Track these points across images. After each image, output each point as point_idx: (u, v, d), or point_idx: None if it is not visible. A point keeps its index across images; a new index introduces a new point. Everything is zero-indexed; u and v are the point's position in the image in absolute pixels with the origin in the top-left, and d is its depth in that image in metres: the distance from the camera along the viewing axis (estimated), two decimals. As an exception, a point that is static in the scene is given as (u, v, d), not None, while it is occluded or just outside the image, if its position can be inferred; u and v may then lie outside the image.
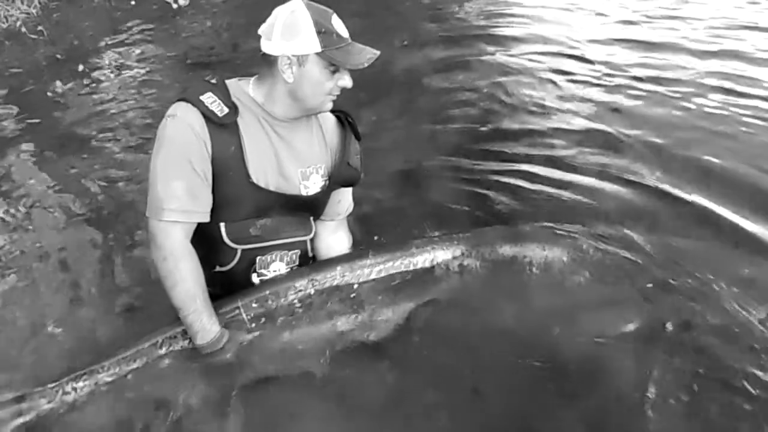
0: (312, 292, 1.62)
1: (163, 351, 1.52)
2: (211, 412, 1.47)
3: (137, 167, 2.87)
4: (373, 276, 1.67)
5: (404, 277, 1.69)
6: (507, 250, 1.78)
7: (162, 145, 1.50)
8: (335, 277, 1.64)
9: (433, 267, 1.72)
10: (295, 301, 1.61)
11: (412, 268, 1.70)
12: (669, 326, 1.64)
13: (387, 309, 1.64)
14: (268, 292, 1.60)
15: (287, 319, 1.59)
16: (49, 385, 1.46)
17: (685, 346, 1.59)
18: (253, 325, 1.57)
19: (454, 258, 1.73)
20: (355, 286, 1.65)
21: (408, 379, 1.55)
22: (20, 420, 1.42)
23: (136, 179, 2.77)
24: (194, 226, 1.52)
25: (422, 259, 1.72)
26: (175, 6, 5.46)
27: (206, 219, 1.53)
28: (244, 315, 1.57)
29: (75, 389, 1.46)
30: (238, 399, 1.49)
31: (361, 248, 1.84)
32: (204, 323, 1.48)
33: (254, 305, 1.58)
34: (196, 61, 4.23)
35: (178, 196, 1.46)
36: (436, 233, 1.93)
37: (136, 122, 3.44)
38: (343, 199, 1.80)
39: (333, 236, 1.81)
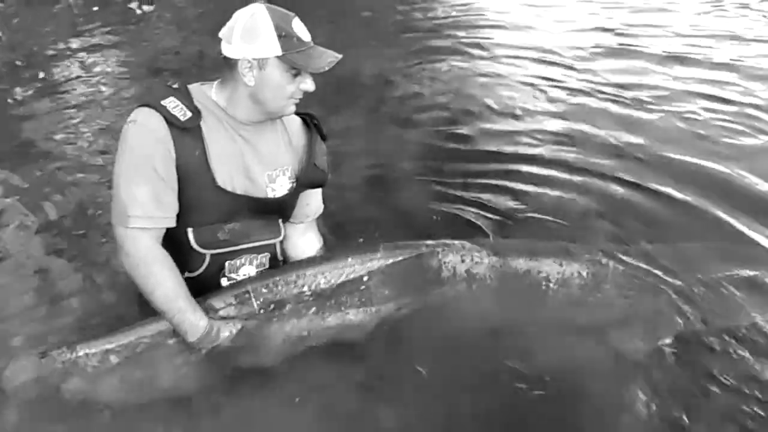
0: (321, 282, 1.63)
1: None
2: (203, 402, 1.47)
3: (101, 175, 2.81)
4: (382, 270, 1.67)
5: (413, 276, 1.70)
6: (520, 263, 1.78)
7: (124, 152, 1.48)
8: (345, 268, 1.65)
9: (440, 270, 1.72)
10: (306, 289, 1.62)
11: (421, 268, 1.71)
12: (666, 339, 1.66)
13: (392, 304, 1.66)
14: (278, 278, 1.62)
15: (295, 308, 1.60)
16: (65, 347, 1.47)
17: (680, 358, 1.61)
18: (262, 311, 1.58)
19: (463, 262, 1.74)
20: (365, 278, 1.66)
21: (385, 380, 1.56)
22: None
23: (100, 187, 2.72)
24: (163, 231, 1.51)
25: (433, 261, 1.73)
26: (139, 12, 5.40)
27: (172, 224, 1.51)
28: (254, 301, 1.58)
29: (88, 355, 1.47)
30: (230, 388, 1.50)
31: (370, 244, 1.83)
32: (191, 321, 1.48)
33: (264, 290, 1.60)
34: (161, 67, 4.18)
35: (143, 202, 1.45)
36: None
37: (99, 130, 3.38)
38: (312, 201, 1.80)
39: (303, 238, 1.82)
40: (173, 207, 1.50)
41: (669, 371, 1.58)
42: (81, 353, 1.47)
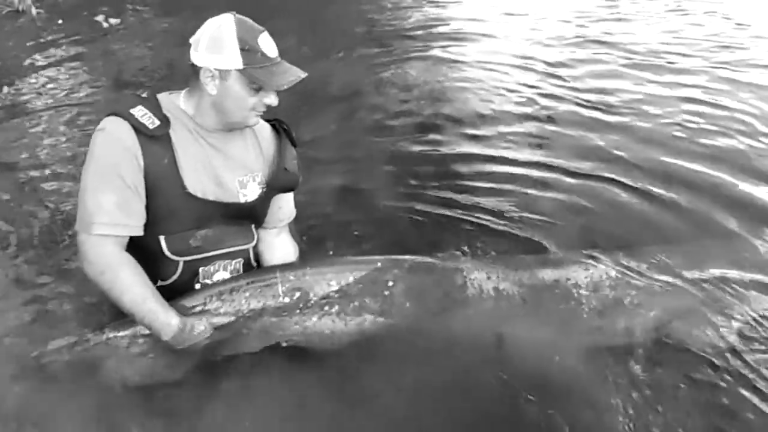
0: (345, 283, 1.67)
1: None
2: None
3: (68, 189, 2.78)
4: (407, 279, 1.72)
5: (431, 288, 1.74)
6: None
7: (92, 159, 1.49)
8: (373, 271, 1.70)
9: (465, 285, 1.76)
10: (330, 287, 1.66)
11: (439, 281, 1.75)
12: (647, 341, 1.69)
13: (413, 314, 1.68)
14: (309, 269, 1.68)
15: (319, 303, 1.64)
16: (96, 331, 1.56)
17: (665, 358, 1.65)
18: (287, 299, 1.61)
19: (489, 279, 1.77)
20: (390, 283, 1.69)
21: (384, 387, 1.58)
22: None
23: (67, 202, 2.68)
24: (126, 240, 1.51)
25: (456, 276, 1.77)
26: (105, 25, 5.34)
27: (139, 233, 1.52)
28: (280, 286, 1.62)
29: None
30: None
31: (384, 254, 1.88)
32: (162, 320, 1.49)
33: (291, 277, 1.64)
34: (128, 80, 4.14)
35: (108, 209, 1.46)
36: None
37: (66, 144, 3.32)
38: (284, 206, 1.81)
39: (277, 243, 1.83)
40: (139, 215, 1.51)
41: (651, 372, 1.61)
42: (111, 335, 1.55)
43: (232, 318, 1.59)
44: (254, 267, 1.77)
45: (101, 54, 4.77)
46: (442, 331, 1.67)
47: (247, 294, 1.62)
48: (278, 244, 1.82)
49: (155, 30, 5.35)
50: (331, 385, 1.58)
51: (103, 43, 5.02)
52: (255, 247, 1.77)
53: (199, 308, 1.59)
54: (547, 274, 1.81)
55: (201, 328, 1.53)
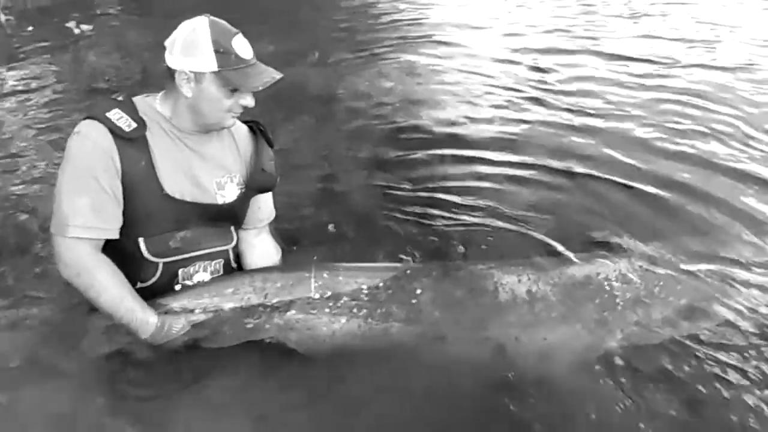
0: (377, 285, 1.70)
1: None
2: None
3: (42, 196, 2.75)
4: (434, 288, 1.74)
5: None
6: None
7: (67, 163, 1.50)
8: (401, 279, 1.73)
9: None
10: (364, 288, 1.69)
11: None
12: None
13: (436, 325, 1.69)
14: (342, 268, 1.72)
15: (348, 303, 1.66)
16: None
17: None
18: (317, 295, 1.64)
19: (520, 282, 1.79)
20: (418, 291, 1.71)
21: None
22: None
23: (41, 208, 2.65)
24: (101, 243, 1.52)
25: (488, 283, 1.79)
26: (77, 31, 5.28)
27: (114, 236, 1.52)
28: (313, 282, 1.65)
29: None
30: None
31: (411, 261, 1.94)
32: (141, 319, 1.51)
33: (325, 275, 1.67)
34: (101, 87, 4.11)
35: (83, 212, 1.47)
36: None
37: (39, 152, 3.29)
38: (263, 206, 1.83)
39: (257, 243, 1.84)
40: (115, 219, 1.52)
41: (635, 372, 1.62)
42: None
43: (211, 315, 1.60)
44: (234, 268, 1.79)
45: (73, 60, 4.73)
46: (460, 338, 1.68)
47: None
48: (258, 244, 1.83)
49: (127, 36, 5.32)
50: (319, 386, 1.60)
51: (74, 50, 4.97)
52: (235, 248, 1.78)
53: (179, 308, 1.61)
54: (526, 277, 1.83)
55: (179, 326, 1.55)
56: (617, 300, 1.77)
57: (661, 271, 1.90)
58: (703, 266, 1.94)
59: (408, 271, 1.80)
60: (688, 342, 1.70)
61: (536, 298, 1.75)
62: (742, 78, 3.82)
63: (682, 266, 1.93)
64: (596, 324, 1.71)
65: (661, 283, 1.84)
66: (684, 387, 1.58)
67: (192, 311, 1.59)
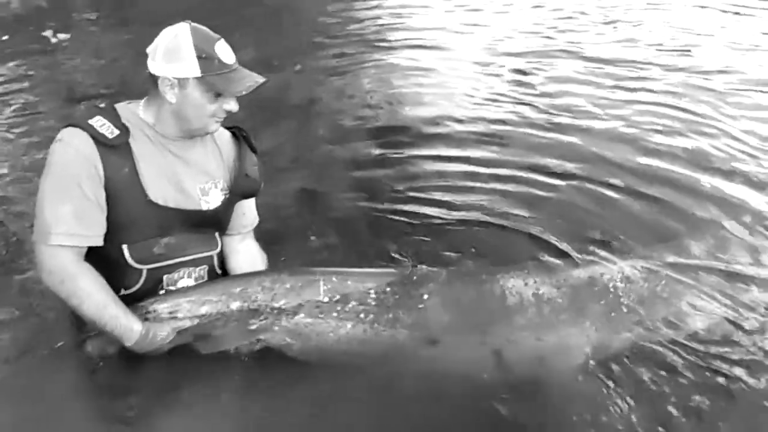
0: (385, 291, 1.70)
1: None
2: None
3: (22, 206, 2.72)
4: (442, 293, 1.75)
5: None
6: None
7: (50, 170, 1.50)
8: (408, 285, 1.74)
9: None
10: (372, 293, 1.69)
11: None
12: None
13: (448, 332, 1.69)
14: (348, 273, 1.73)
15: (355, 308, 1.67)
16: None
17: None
18: (326, 299, 1.64)
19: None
20: (425, 297, 1.73)
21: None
22: None
23: (22, 218, 2.62)
24: (84, 250, 1.52)
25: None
26: (54, 40, 5.22)
27: (98, 243, 1.52)
28: (322, 286, 1.66)
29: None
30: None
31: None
32: (124, 325, 1.50)
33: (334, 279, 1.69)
34: (80, 96, 4.07)
35: (66, 220, 1.46)
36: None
37: (16, 160, 3.26)
38: (247, 212, 1.83)
39: (242, 248, 1.84)
40: (99, 226, 1.51)
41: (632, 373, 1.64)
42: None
43: (198, 322, 1.60)
44: (219, 274, 1.78)
45: (50, 69, 4.68)
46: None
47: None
48: (243, 250, 1.83)
49: (105, 44, 5.27)
50: (312, 390, 1.61)
51: (52, 59, 4.92)
52: (219, 254, 1.78)
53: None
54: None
55: (163, 333, 1.55)
56: (614, 302, 1.80)
57: (648, 269, 1.93)
58: (696, 263, 1.99)
59: (415, 277, 1.81)
60: (686, 342, 1.72)
61: (537, 301, 1.77)
62: (717, 80, 3.91)
63: (668, 263, 1.96)
64: (593, 326, 1.73)
65: (654, 282, 1.87)
66: (684, 388, 1.60)
67: (178, 317, 1.59)
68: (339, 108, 3.77)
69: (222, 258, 1.80)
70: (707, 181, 2.67)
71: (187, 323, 1.59)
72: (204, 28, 1.55)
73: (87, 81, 4.33)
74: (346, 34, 5.42)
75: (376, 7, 6.29)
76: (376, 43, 5.04)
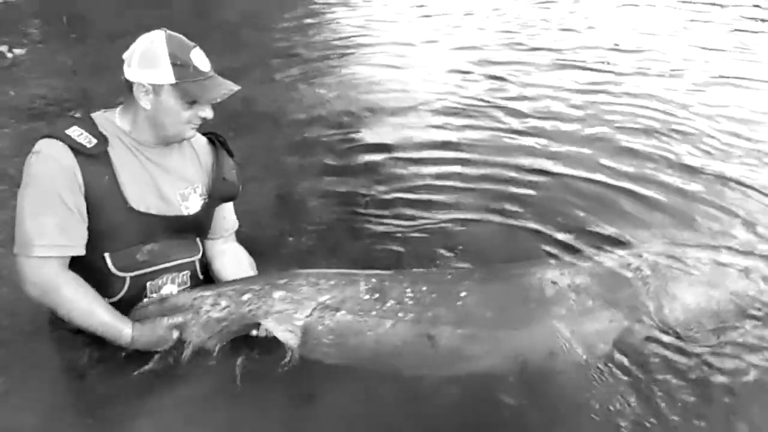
0: (421, 289, 1.71)
1: None
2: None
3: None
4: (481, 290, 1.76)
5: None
6: None
7: (29, 183, 1.49)
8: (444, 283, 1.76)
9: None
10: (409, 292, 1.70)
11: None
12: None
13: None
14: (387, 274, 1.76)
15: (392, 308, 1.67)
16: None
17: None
18: (367, 296, 1.67)
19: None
20: (462, 294, 1.74)
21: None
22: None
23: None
24: (68, 260, 1.52)
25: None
26: (9, 55, 5.09)
27: (81, 252, 1.52)
28: (362, 285, 1.69)
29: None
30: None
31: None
32: (118, 328, 1.52)
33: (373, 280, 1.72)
34: (40, 111, 3.98)
35: (48, 231, 1.46)
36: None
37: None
38: (228, 215, 1.86)
39: (227, 248, 1.86)
40: (80, 235, 1.51)
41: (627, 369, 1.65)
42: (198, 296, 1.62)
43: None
44: (201, 279, 1.79)
45: (7, 85, 4.55)
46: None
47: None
48: (228, 250, 1.85)
49: (64, 60, 5.16)
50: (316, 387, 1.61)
51: (8, 75, 4.79)
52: (201, 259, 1.79)
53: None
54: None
55: (159, 332, 1.55)
56: (612, 296, 1.82)
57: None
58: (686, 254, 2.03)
59: (449, 276, 1.85)
60: (686, 336, 1.75)
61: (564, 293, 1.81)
62: (682, 80, 4.09)
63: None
64: (595, 321, 1.74)
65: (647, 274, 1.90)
66: (686, 380, 1.62)
67: (171, 317, 1.58)
68: (305, 117, 3.79)
69: (204, 263, 1.81)
70: (677, 176, 2.79)
71: (180, 319, 1.59)
72: (179, 35, 1.57)
73: (47, 95, 4.23)
74: (310, 42, 5.46)
75: (337, 19, 6.36)
76: (339, 54, 5.08)
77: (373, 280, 1.73)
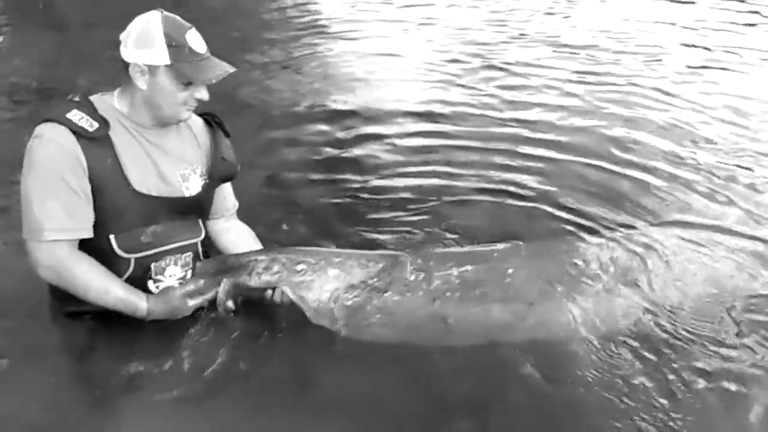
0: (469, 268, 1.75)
1: None
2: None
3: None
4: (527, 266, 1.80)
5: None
6: None
7: (32, 168, 1.50)
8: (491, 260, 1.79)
9: None
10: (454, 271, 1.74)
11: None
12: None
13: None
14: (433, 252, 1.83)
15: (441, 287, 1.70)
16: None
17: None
18: (413, 276, 1.70)
19: None
20: (510, 273, 1.76)
21: None
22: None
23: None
24: (77, 242, 1.54)
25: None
26: (-14, 43, 5.01)
27: (88, 235, 1.54)
28: (408, 265, 1.73)
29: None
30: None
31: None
32: (132, 303, 1.56)
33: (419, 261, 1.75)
34: (23, 99, 3.94)
35: (56, 215, 1.48)
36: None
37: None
38: (228, 195, 1.89)
39: (230, 226, 1.91)
40: (88, 218, 1.53)
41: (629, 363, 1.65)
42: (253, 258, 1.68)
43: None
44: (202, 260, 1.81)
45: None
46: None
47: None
48: (232, 227, 1.89)
49: (45, 48, 5.06)
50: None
51: (-13, 63, 4.72)
52: (203, 241, 1.81)
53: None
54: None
55: (174, 303, 1.60)
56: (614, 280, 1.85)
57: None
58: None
59: (495, 253, 1.87)
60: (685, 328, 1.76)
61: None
62: (669, 66, 4.19)
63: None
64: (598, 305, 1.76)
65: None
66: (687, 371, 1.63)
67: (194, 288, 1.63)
68: (292, 102, 3.81)
69: (205, 245, 1.84)
70: (662, 160, 2.87)
71: (192, 287, 1.63)
72: (176, 16, 1.57)
73: (32, 83, 4.17)
74: (292, 27, 5.44)
75: (321, 6, 6.33)
76: (316, 44, 5.07)
77: (419, 261, 1.78)
